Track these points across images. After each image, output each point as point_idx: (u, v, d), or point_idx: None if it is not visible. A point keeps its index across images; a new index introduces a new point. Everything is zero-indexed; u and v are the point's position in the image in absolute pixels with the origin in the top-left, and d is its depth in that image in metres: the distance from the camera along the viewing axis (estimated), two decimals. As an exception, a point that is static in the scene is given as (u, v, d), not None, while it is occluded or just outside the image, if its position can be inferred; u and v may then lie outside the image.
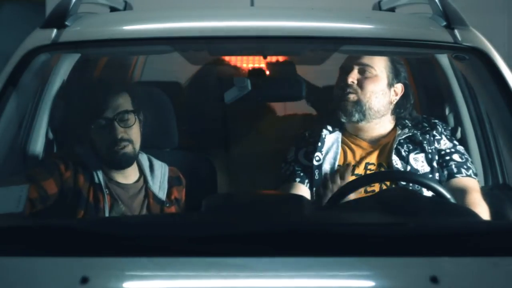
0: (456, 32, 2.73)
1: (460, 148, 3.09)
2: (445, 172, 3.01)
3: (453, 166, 3.02)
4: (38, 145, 3.25)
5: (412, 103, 3.20)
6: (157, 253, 2.09)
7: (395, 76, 3.11)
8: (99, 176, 2.95)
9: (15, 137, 2.73)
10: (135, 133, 2.95)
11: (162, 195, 3.03)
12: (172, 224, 2.37)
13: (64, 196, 2.90)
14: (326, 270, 2.08)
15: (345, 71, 3.09)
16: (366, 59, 3.08)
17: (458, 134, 3.42)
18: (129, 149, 2.93)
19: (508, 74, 2.61)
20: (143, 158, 3.08)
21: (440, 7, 2.81)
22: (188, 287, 2.07)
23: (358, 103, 3.05)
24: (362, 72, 3.07)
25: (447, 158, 3.03)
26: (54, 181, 2.88)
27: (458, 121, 3.49)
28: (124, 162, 2.96)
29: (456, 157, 3.03)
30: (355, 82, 3.06)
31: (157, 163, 3.09)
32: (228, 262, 2.07)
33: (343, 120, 3.09)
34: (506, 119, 2.57)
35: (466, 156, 3.07)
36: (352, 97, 3.05)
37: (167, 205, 3.01)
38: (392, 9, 3.33)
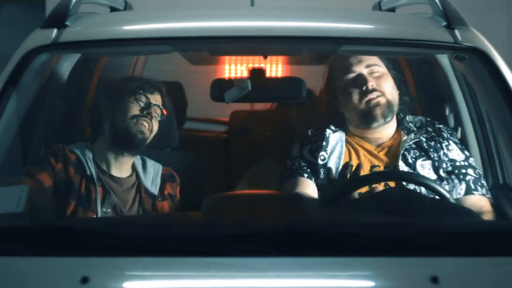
0: (456, 32, 2.73)
1: (472, 160, 3.07)
2: (463, 185, 2.97)
3: (471, 182, 2.98)
4: (38, 145, 3.25)
5: (408, 100, 3.20)
6: (157, 253, 2.09)
7: (392, 68, 3.12)
8: (91, 168, 3.01)
9: (15, 137, 2.73)
10: (155, 129, 3.09)
11: (155, 190, 3.10)
12: (172, 224, 2.38)
13: (58, 188, 2.96)
14: (326, 270, 2.08)
15: (354, 78, 3.04)
16: (368, 59, 3.06)
17: (458, 134, 3.41)
18: (147, 134, 3.05)
19: (508, 74, 2.61)
20: (136, 158, 3.14)
21: (440, 7, 2.81)
22: (188, 287, 2.07)
23: (388, 103, 3.02)
24: (372, 73, 3.05)
25: (463, 171, 3.00)
26: (48, 174, 2.95)
27: (458, 121, 3.48)
28: (137, 141, 3.04)
29: (471, 171, 3.01)
30: (375, 85, 3.02)
31: (150, 162, 3.17)
32: (228, 262, 2.07)
33: (375, 124, 3.02)
34: (506, 119, 2.57)
35: (479, 171, 3.05)
36: (382, 99, 3.01)
37: (159, 199, 3.07)
38: (392, 9, 3.33)
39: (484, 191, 2.99)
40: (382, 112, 3.02)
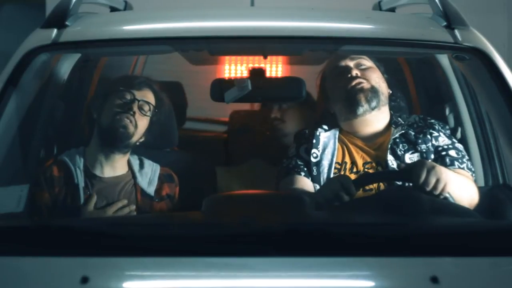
0: (456, 32, 2.73)
1: (459, 145, 3.07)
2: (439, 163, 2.96)
3: (447, 159, 2.98)
4: (38, 145, 3.25)
5: (403, 104, 3.22)
6: (157, 253, 2.09)
7: (381, 66, 3.15)
8: (79, 177, 3.00)
9: (15, 137, 2.73)
10: (142, 125, 3.07)
11: (151, 190, 3.07)
12: (172, 224, 2.38)
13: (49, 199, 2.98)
14: (326, 270, 2.08)
15: (340, 71, 3.09)
16: (355, 56, 3.09)
17: (458, 134, 3.42)
18: (130, 129, 3.03)
19: (508, 74, 2.61)
20: (133, 157, 3.13)
21: (440, 7, 2.81)
22: (188, 287, 2.07)
23: (372, 88, 3.05)
24: (358, 66, 3.10)
25: (443, 153, 3.01)
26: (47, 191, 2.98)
27: (458, 121, 3.48)
28: (120, 137, 3.02)
29: (452, 152, 3.01)
30: (359, 74, 3.07)
31: (148, 162, 3.14)
32: (228, 262, 2.07)
33: (360, 110, 3.04)
34: (506, 119, 2.57)
35: (463, 153, 3.04)
36: (366, 85, 3.04)
37: (156, 200, 3.04)
38: (392, 9, 3.33)
39: (463, 166, 2.97)
40: (365, 96, 3.04)
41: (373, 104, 3.05)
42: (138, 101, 3.06)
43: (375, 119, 3.09)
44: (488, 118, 3.35)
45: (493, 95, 2.63)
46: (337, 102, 3.12)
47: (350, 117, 3.08)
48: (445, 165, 2.95)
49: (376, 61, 3.15)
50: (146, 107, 3.08)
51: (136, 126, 3.04)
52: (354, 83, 3.05)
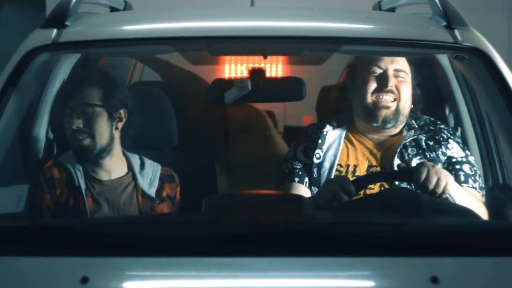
0: (456, 32, 2.73)
1: (471, 159, 3.04)
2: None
3: (462, 175, 2.95)
4: (38, 145, 3.25)
5: (419, 114, 3.20)
6: (157, 253, 2.09)
7: (415, 78, 3.10)
8: (80, 180, 2.98)
9: (15, 137, 2.73)
10: (99, 127, 2.97)
11: (152, 192, 3.03)
12: (172, 224, 2.38)
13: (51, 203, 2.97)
14: (326, 270, 2.08)
15: (379, 75, 3.01)
16: (398, 63, 3.03)
17: (458, 134, 3.41)
18: (86, 141, 2.95)
19: (508, 74, 2.61)
20: (134, 157, 3.09)
21: (440, 7, 2.81)
22: (188, 287, 2.07)
23: (397, 111, 3.00)
24: (397, 77, 3.02)
25: (457, 167, 2.98)
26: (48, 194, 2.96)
27: (458, 121, 3.48)
28: (81, 154, 2.97)
29: (466, 168, 2.98)
30: (394, 86, 3.00)
31: (149, 162, 3.10)
32: (228, 262, 2.08)
33: (374, 124, 3.01)
34: (506, 119, 2.57)
35: (475, 169, 3.01)
36: (393, 105, 3.00)
37: (157, 201, 3.02)
38: (392, 9, 3.33)
39: (476, 185, 2.96)
40: (385, 116, 3.00)
41: (389, 125, 3.01)
42: (76, 111, 2.94)
43: (388, 131, 3.06)
44: (488, 118, 3.34)
45: (493, 95, 2.63)
46: (359, 97, 3.04)
47: (364, 118, 3.05)
48: (458, 181, 2.91)
49: (413, 73, 3.07)
50: (88, 109, 2.96)
51: (91, 136, 2.95)
52: (383, 97, 3.00)
